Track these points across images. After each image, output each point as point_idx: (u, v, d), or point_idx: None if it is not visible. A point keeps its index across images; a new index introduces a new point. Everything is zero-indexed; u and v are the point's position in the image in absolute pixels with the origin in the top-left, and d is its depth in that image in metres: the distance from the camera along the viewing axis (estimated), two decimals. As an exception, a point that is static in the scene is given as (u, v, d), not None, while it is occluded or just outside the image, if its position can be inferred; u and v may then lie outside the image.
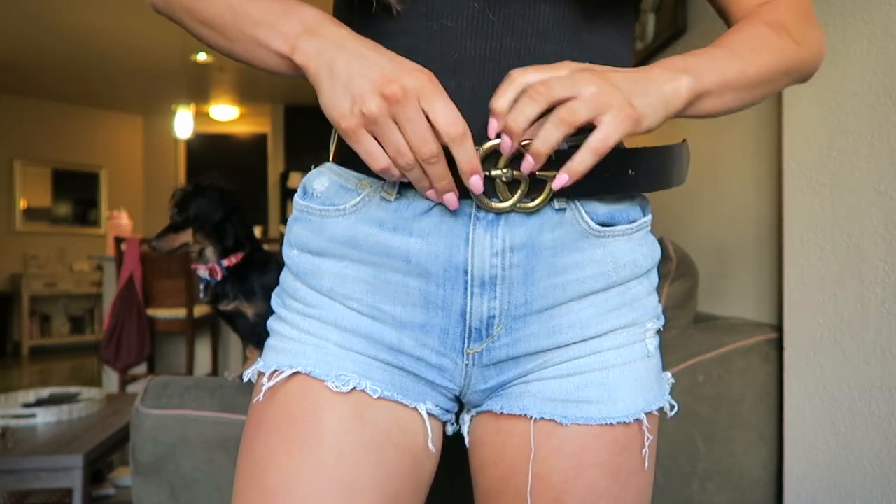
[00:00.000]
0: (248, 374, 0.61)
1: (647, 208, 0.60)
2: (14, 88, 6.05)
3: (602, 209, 0.55)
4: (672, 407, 0.60)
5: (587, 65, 0.49)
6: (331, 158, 0.59)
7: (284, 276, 0.61)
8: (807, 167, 1.04)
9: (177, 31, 4.95)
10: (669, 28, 1.72)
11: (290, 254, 0.59)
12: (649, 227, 0.60)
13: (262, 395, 0.56)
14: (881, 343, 0.91)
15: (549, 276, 0.54)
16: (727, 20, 0.65)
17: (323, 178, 0.58)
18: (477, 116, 0.50)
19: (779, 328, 1.15)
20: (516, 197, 0.51)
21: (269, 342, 0.60)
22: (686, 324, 1.22)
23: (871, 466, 0.93)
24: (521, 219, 0.53)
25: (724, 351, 1.12)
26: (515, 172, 0.50)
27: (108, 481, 2.40)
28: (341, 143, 0.57)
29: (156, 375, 1.09)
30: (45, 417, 1.96)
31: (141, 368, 3.40)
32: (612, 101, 0.46)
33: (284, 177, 6.33)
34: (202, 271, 1.47)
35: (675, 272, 1.19)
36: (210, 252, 1.47)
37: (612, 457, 0.55)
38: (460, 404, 0.63)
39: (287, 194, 6.20)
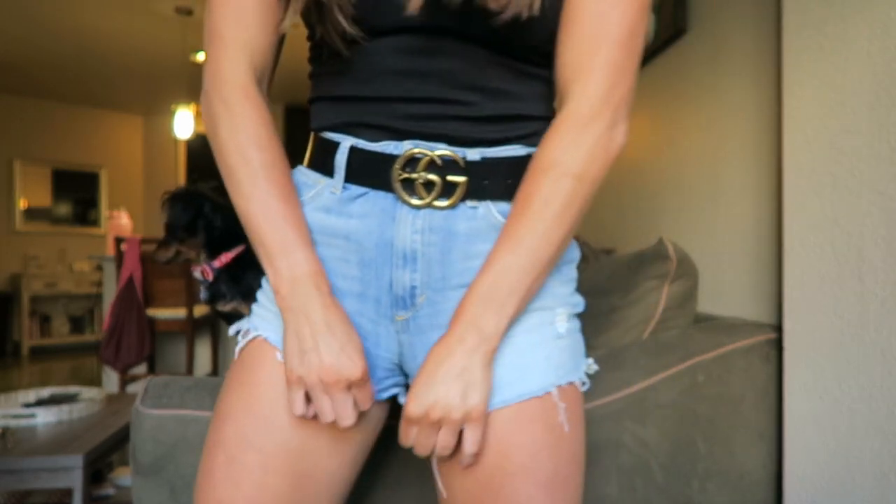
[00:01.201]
0: (233, 330, 0.74)
1: None
2: (14, 88, 6.05)
3: (509, 208, 0.64)
4: (583, 383, 0.69)
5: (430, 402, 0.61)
6: (304, 163, 0.72)
7: None
8: (807, 167, 1.04)
9: (177, 31, 4.96)
10: (669, 28, 1.72)
11: None
12: None
13: (237, 354, 0.72)
14: (881, 343, 0.91)
15: (464, 259, 0.65)
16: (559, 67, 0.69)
17: (293, 177, 0.69)
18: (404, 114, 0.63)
19: (779, 328, 1.15)
20: (431, 197, 0.63)
21: (252, 306, 0.73)
22: (686, 324, 1.22)
23: (871, 466, 0.93)
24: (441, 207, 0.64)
25: (724, 351, 1.12)
26: (431, 176, 0.62)
27: (108, 481, 2.40)
28: (313, 152, 0.70)
29: (156, 375, 1.09)
30: (45, 417, 1.96)
31: (141, 368, 3.40)
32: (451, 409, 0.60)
33: (284, 176, 6.31)
34: (196, 272, 1.48)
35: (675, 272, 1.19)
36: (201, 253, 1.48)
37: (527, 426, 0.64)
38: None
39: (287, 194, 6.18)
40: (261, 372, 0.68)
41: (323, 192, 0.67)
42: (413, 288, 0.66)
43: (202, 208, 1.49)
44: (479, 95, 0.64)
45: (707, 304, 1.52)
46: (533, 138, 0.68)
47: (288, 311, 0.62)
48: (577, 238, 2.25)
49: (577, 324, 0.71)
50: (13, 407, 2.04)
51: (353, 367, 0.61)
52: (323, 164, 0.68)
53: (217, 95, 0.68)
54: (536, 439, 0.64)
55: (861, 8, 0.93)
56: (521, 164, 0.65)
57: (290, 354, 0.62)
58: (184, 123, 5.05)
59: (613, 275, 1.33)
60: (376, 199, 0.65)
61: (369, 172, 0.65)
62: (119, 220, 3.95)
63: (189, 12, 4.27)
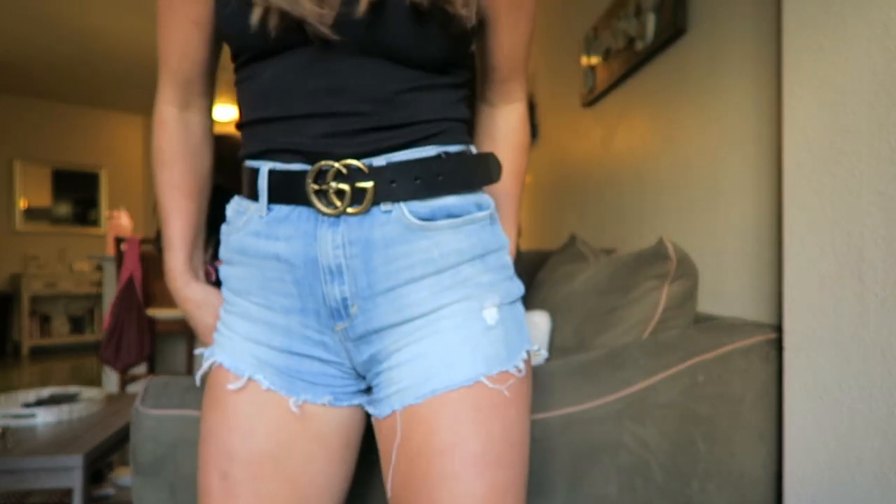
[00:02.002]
0: (198, 351, 0.82)
1: (484, 205, 0.73)
2: (14, 88, 6.05)
3: (423, 208, 0.68)
4: (519, 370, 0.70)
5: None
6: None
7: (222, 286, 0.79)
8: (807, 167, 1.04)
9: (177, 31, 4.92)
10: (669, 28, 1.72)
11: (220, 267, 0.78)
12: (484, 221, 0.72)
13: (198, 381, 0.84)
14: (881, 343, 0.91)
15: (385, 263, 0.68)
16: (485, 71, 0.84)
17: (231, 206, 0.77)
18: (313, 134, 0.67)
19: (779, 328, 1.15)
20: (343, 205, 0.67)
21: (213, 335, 0.79)
22: (686, 324, 1.22)
23: (871, 466, 0.93)
24: (356, 219, 0.68)
25: (724, 351, 1.12)
26: (341, 185, 0.66)
27: (108, 481, 2.40)
28: (243, 181, 0.75)
29: (156, 375, 1.09)
30: (45, 417, 1.96)
31: (141, 368, 3.40)
32: None
33: (284, 177, 6.31)
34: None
35: (675, 272, 1.19)
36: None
37: (460, 413, 0.66)
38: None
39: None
40: (227, 393, 0.73)
41: (252, 217, 0.72)
42: (344, 299, 0.69)
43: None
44: (383, 107, 0.67)
45: (707, 304, 1.52)
46: (442, 136, 0.71)
47: (177, 302, 0.82)
48: (575, 238, 2.23)
49: (512, 311, 0.73)
50: (13, 407, 2.04)
51: (207, 326, 0.82)
52: (250, 191, 0.73)
53: (152, 124, 0.84)
54: (462, 418, 0.66)
55: (861, 8, 0.93)
56: (430, 162, 0.68)
57: (197, 332, 0.83)
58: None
59: (613, 275, 1.33)
60: (298, 222, 0.69)
61: (287, 190, 0.69)
62: (119, 220, 3.95)
63: (189, 12, 4.26)
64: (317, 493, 0.73)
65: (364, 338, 0.71)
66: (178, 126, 0.82)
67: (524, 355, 0.72)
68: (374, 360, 0.72)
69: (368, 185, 0.67)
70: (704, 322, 1.26)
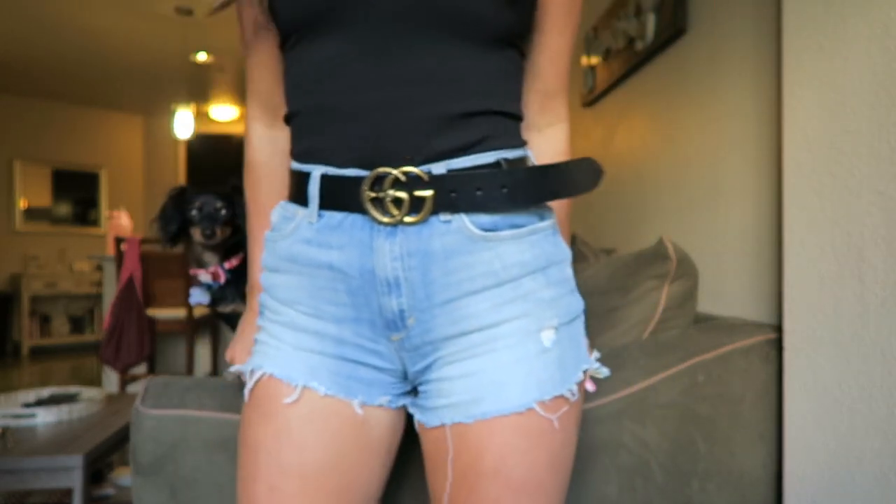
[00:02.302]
0: (234, 371, 0.80)
1: (546, 215, 0.71)
2: (14, 88, 6.05)
3: (486, 218, 0.66)
4: (573, 394, 0.68)
5: None
6: (287, 198, 0.75)
7: (262, 294, 0.76)
8: (807, 167, 1.04)
9: (177, 31, 4.95)
10: (669, 28, 1.72)
11: (262, 275, 0.76)
12: (547, 231, 0.70)
13: (246, 395, 0.74)
14: (881, 343, 0.91)
15: (444, 275, 0.65)
16: (536, 77, 0.78)
17: (276, 212, 0.74)
18: (371, 137, 0.65)
19: (779, 328, 1.15)
20: (401, 214, 0.64)
21: (253, 348, 0.76)
22: (686, 324, 1.22)
23: (871, 466, 0.93)
24: (414, 229, 0.65)
25: (724, 351, 1.12)
26: (399, 193, 0.63)
27: (108, 481, 2.40)
28: (290, 184, 0.72)
29: (156, 375, 1.09)
30: (45, 417, 1.96)
31: (141, 368, 3.40)
32: None
33: (285, 176, 6.30)
34: (203, 276, 1.44)
35: (675, 272, 1.19)
36: (210, 256, 1.44)
37: (508, 440, 0.65)
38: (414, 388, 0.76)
39: (287, 194, 6.18)
40: (279, 406, 0.70)
41: (301, 223, 0.69)
42: (401, 311, 0.67)
43: (184, 216, 1.46)
44: (446, 91, 0.64)
45: (707, 304, 1.52)
46: (504, 138, 0.69)
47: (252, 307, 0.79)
48: (575, 238, 2.24)
49: (570, 331, 0.70)
50: (13, 407, 2.04)
51: (241, 351, 0.83)
52: (298, 196, 0.70)
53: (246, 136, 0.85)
54: (509, 443, 0.65)
55: (861, 8, 0.93)
56: (492, 173, 0.65)
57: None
58: (184, 124, 5.05)
59: (613, 275, 1.33)
60: (353, 230, 0.66)
61: (340, 197, 0.66)
62: (119, 220, 3.94)
63: (189, 12, 4.26)
64: (362, 500, 0.73)
65: (420, 348, 0.69)
66: (263, 143, 0.82)
67: (579, 376, 0.70)
68: (427, 370, 0.71)
69: (428, 193, 0.64)
70: (704, 322, 1.26)
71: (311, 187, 0.68)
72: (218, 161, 6.91)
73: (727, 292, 1.45)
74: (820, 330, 1.02)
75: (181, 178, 7.02)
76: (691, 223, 1.64)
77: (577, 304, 0.72)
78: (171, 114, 5.16)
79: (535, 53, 0.76)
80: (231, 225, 1.47)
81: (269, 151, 0.83)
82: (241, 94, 6.22)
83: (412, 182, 0.64)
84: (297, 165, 0.71)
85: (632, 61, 2.01)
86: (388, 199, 0.64)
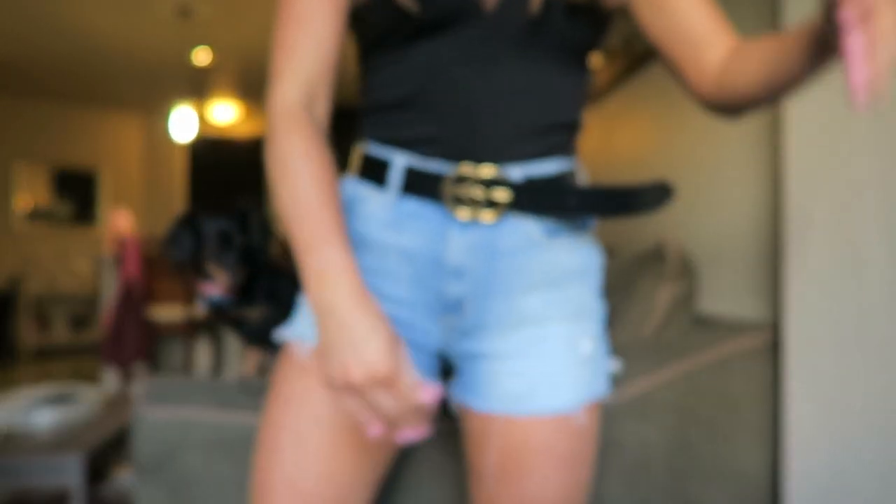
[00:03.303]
0: (285, 335, 0.75)
1: (591, 221, 0.76)
2: (14, 88, 6.05)
3: (549, 223, 0.71)
4: (602, 396, 0.75)
5: None
6: (354, 172, 0.75)
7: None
8: (807, 167, 1.04)
9: (177, 31, 4.94)
10: (669, 28, 1.72)
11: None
12: (590, 237, 0.76)
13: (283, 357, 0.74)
14: (880, 343, 0.91)
15: (506, 270, 0.70)
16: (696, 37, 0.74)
17: (345, 190, 0.74)
18: (466, 133, 0.68)
19: (779, 328, 1.15)
20: (479, 211, 0.68)
21: (296, 317, 0.75)
22: (686, 324, 1.22)
23: (871, 466, 0.93)
24: (487, 226, 0.69)
25: (723, 351, 1.12)
26: (479, 192, 0.68)
27: (108, 481, 2.40)
28: (364, 165, 0.73)
29: (156, 375, 1.09)
30: (44, 417, 1.96)
31: (141, 368, 3.40)
32: None
33: (285, 176, 6.28)
34: (215, 292, 1.40)
35: (675, 272, 1.19)
36: (221, 275, 1.41)
37: (550, 439, 0.70)
38: (445, 372, 0.79)
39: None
40: (314, 388, 0.69)
41: (376, 206, 0.72)
42: (460, 298, 0.71)
43: (198, 240, 1.42)
44: (529, 101, 0.69)
45: (707, 304, 1.52)
46: (568, 147, 0.74)
47: (314, 308, 0.60)
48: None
49: (603, 338, 0.76)
50: (13, 407, 2.04)
51: (377, 364, 0.56)
52: (375, 178, 0.72)
53: (273, 123, 0.68)
54: (550, 447, 0.71)
55: (861, 8, 0.93)
56: (557, 183, 0.71)
57: (326, 353, 0.59)
58: (184, 123, 5.05)
59: (613, 275, 1.33)
60: (429, 220, 0.70)
61: (421, 188, 0.70)
62: (119, 220, 3.95)
63: (189, 13, 4.27)
64: (355, 499, 0.73)
65: (470, 332, 0.73)
66: (307, 121, 0.69)
67: (606, 378, 0.76)
68: (473, 353, 0.74)
69: (505, 195, 0.68)
70: (704, 322, 1.26)
71: (392, 174, 0.71)
72: (219, 161, 6.91)
73: (727, 292, 1.45)
74: (820, 330, 1.02)
75: (182, 178, 7.02)
76: (691, 223, 1.64)
77: (604, 308, 0.78)
78: (172, 114, 5.16)
79: (684, 14, 0.72)
80: (244, 263, 1.43)
81: (313, 131, 0.69)
82: (243, 94, 6.21)
83: (492, 183, 0.68)
84: (377, 150, 0.73)
85: (632, 61, 2.01)
86: (469, 196, 0.68)
